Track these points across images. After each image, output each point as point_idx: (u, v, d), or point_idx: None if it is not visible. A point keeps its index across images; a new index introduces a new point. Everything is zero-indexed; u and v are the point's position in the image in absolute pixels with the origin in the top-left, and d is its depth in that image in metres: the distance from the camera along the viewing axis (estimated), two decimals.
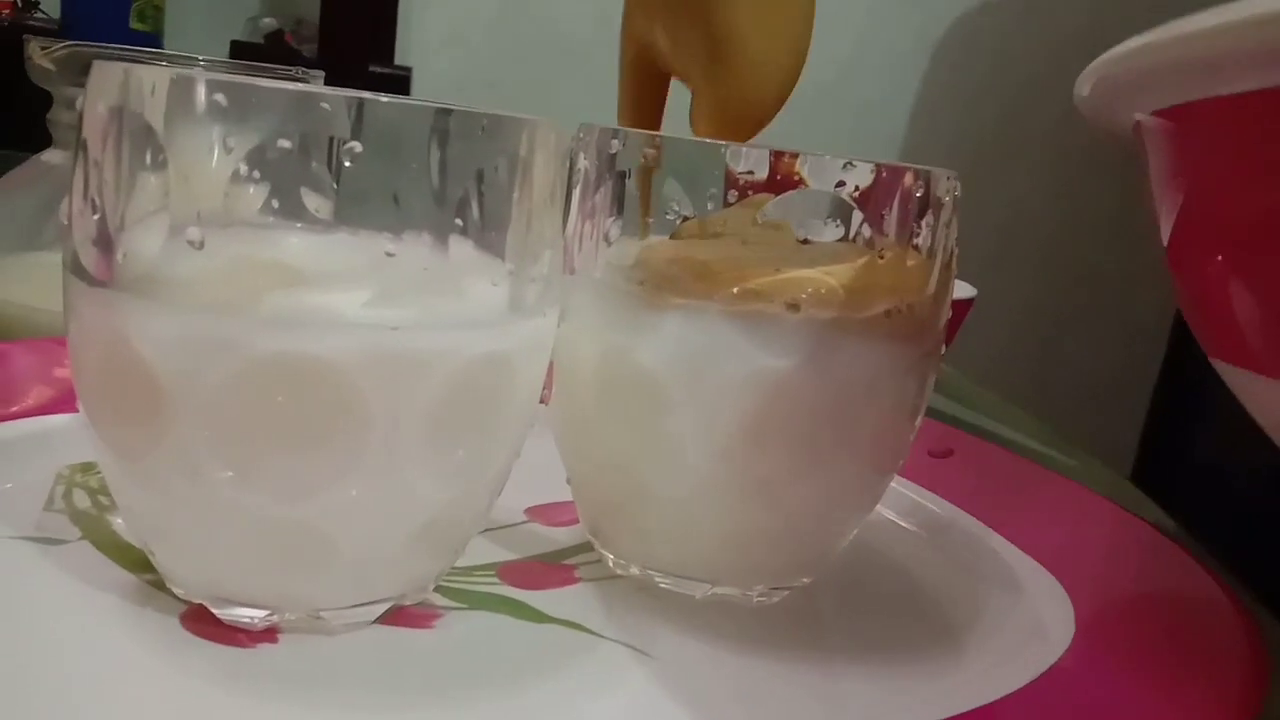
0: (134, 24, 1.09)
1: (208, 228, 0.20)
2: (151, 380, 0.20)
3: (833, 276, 0.24)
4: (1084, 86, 0.22)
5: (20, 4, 1.16)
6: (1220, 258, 0.20)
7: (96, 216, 0.21)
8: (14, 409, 0.33)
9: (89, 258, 0.21)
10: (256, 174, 0.21)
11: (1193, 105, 0.19)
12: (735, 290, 0.24)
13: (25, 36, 0.42)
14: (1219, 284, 0.20)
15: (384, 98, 0.21)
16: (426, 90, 1.21)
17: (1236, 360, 0.21)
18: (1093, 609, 0.27)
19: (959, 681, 0.25)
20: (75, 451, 0.30)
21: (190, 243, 0.20)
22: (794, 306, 0.24)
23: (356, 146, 0.20)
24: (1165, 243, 0.22)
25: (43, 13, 1.15)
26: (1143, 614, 0.28)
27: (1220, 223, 0.20)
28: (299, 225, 0.21)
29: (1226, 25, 0.16)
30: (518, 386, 0.23)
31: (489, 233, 0.22)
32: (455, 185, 0.21)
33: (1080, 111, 0.24)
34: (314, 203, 0.21)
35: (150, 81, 0.20)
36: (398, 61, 1.23)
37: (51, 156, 0.44)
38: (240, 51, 1.20)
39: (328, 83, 0.41)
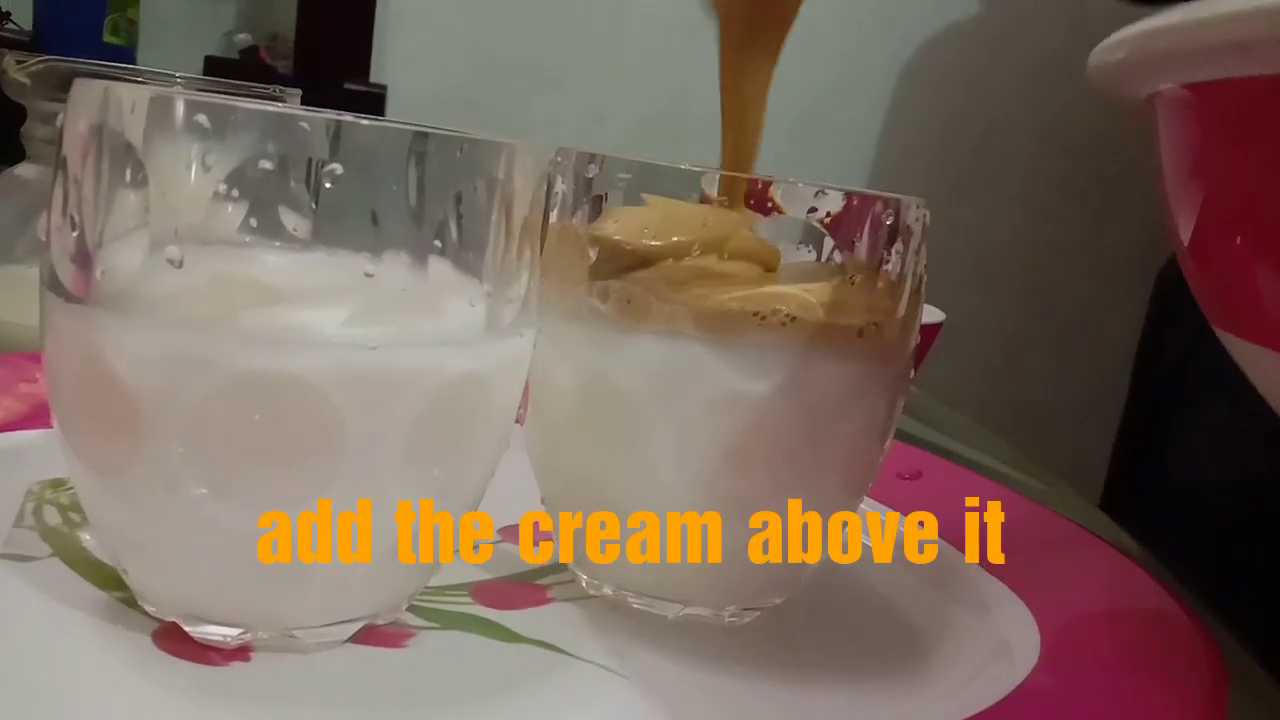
0: (107, 37, 1.08)
1: (186, 245, 0.20)
2: (128, 397, 0.20)
3: (808, 293, 0.25)
4: (1110, 54, 0.22)
5: None
6: (1245, 234, 0.20)
7: (75, 233, 0.21)
8: None
9: (67, 274, 0.21)
10: (235, 193, 0.21)
11: (1226, 82, 0.19)
12: (709, 304, 0.24)
13: (2, 52, 0.42)
14: (1242, 258, 0.20)
15: (363, 120, 0.21)
16: (403, 107, 1.21)
17: (1258, 338, 0.20)
18: (1058, 630, 0.28)
19: (927, 700, 0.25)
20: (46, 467, 0.30)
21: (169, 260, 0.20)
22: (765, 318, 0.24)
23: (336, 167, 0.21)
24: (1182, 221, 0.22)
25: (14, 24, 1.14)
26: (1106, 635, 0.28)
27: (1251, 197, 0.20)
28: (277, 244, 0.21)
29: (1259, 10, 0.17)
30: (494, 406, 0.23)
31: (467, 254, 0.22)
32: (434, 206, 0.22)
33: (1092, 79, 0.24)
34: (293, 222, 0.21)
35: (130, 100, 0.21)
36: (374, 78, 1.23)
37: (25, 170, 0.44)
38: (215, 67, 1.19)
39: (303, 100, 0.42)
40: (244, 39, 1.29)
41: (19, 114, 0.43)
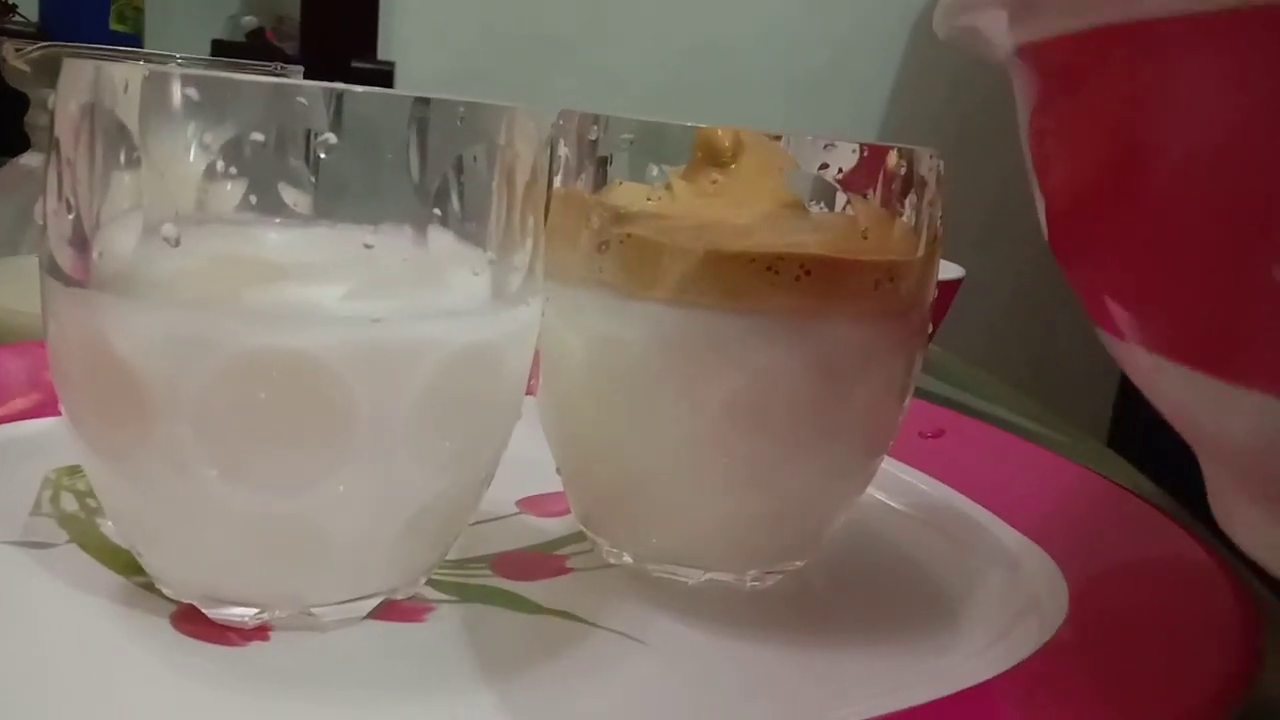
0: (114, 25, 1.08)
1: (184, 224, 0.20)
2: (133, 380, 0.20)
3: (821, 245, 0.24)
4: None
5: None
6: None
7: (71, 216, 0.21)
8: (0, 413, 0.32)
9: (65, 258, 0.21)
10: (233, 169, 0.20)
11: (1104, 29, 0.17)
12: (719, 256, 0.24)
13: (1, 39, 0.42)
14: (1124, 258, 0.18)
15: (359, 89, 0.20)
16: (411, 85, 1.21)
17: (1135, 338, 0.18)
18: (1086, 583, 0.27)
19: (957, 660, 0.24)
20: (62, 454, 0.30)
21: (166, 239, 0.20)
22: (779, 272, 0.24)
23: (333, 138, 0.20)
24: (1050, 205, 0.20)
25: (21, 16, 1.15)
26: (1136, 587, 0.28)
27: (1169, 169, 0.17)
28: (277, 220, 0.21)
29: None
30: (503, 376, 0.23)
31: (469, 222, 0.22)
32: (434, 175, 0.21)
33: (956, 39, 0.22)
34: (292, 197, 0.21)
35: (123, 79, 0.20)
36: (381, 56, 1.22)
37: (30, 160, 0.44)
38: (222, 50, 1.19)
39: (309, 79, 0.41)
40: (250, 21, 1.29)
41: (23, 103, 0.43)
